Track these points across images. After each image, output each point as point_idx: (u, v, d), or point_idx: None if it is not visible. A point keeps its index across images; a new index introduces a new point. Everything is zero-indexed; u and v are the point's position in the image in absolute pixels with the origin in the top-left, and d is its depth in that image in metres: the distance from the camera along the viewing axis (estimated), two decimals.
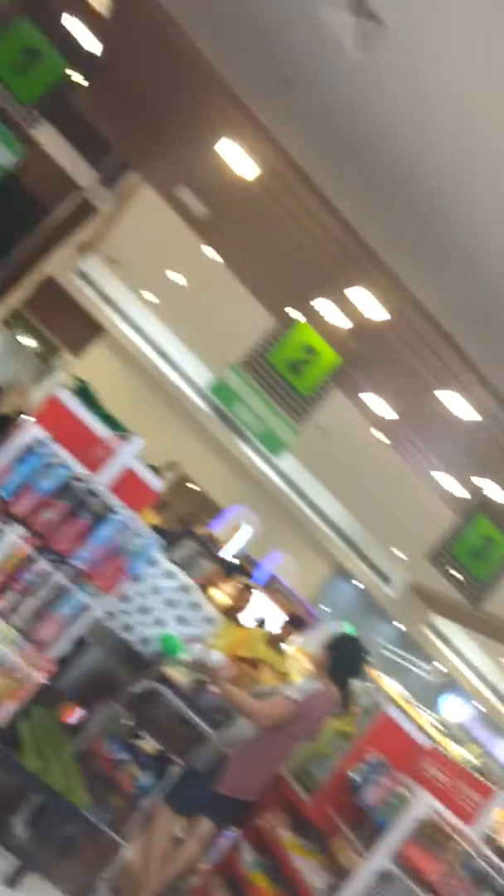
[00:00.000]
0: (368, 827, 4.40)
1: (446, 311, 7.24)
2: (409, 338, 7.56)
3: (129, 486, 3.99)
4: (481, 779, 4.43)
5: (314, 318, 8.03)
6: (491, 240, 6.09)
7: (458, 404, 7.84)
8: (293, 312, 8.01)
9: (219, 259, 11.05)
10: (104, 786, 4.45)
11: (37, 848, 3.62)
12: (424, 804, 4.07)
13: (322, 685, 4.58)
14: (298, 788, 4.76)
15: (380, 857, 4.01)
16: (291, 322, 7.73)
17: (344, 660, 4.76)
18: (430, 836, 3.99)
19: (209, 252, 11.36)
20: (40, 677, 3.22)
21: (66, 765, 3.83)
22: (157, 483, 4.31)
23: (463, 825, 4.10)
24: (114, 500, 3.42)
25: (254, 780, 4.54)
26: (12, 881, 3.53)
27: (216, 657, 4.39)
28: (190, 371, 18.08)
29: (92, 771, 4.30)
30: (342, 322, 8.22)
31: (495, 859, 3.95)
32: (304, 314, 7.86)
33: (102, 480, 3.60)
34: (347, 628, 8.03)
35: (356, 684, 5.83)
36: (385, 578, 20.36)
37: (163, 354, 18.13)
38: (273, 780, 4.76)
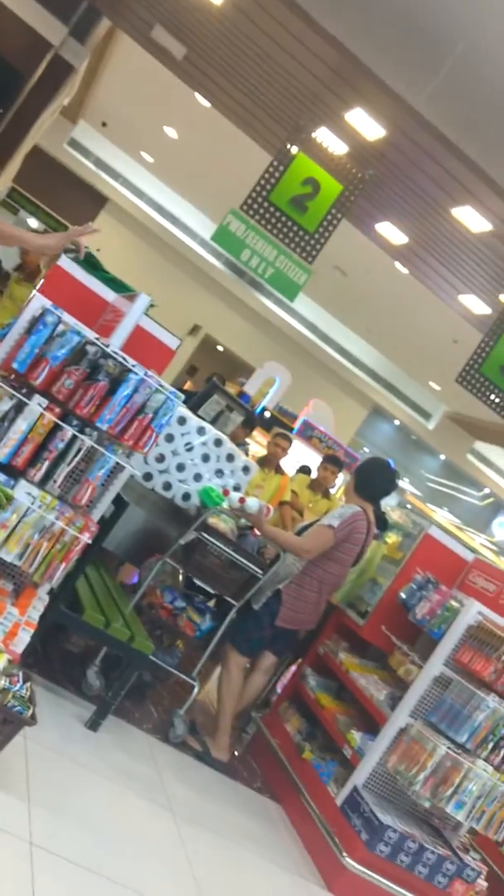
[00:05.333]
0: (423, 640, 4.60)
1: (445, 119, 6.83)
2: (410, 153, 7.17)
3: (142, 344, 3.95)
4: None
5: (311, 148, 7.64)
6: (486, 29, 5.64)
7: (470, 217, 7.52)
8: (290, 147, 7.61)
9: (206, 103, 10.49)
10: (166, 632, 4.71)
11: (112, 695, 3.85)
12: (473, 611, 4.22)
13: (357, 508, 4.67)
14: (353, 614, 4.95)
15: (436, 664, 4.21)
16: (289, 157, 7.36)
17: (369, 476, 4.84)
18: (482, 640, 4.14)
19: (196, 98, 10.78)
20: (85, 538, 3.32)
21: (126, 617, 4.02)
22: (171, 340, 4.27)
23: None
24: (128, 360, 3.39)
25: (309, 610, 4.72)
26: (94, 725, 3.81)
27: (252, 502, 4.48)
28: (196, 227, 17.61)
29: (152, 621, 4.54)
30: (340, 147, 7.81)
31: None
32: (301, 146, 7.46)
33: (115, 342, 3.56)
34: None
35: (396, 510, 5.93)
36: (421, 411, 20.38)
37: (168, 215, 17.64)
38: (327, 608, 4.96)
